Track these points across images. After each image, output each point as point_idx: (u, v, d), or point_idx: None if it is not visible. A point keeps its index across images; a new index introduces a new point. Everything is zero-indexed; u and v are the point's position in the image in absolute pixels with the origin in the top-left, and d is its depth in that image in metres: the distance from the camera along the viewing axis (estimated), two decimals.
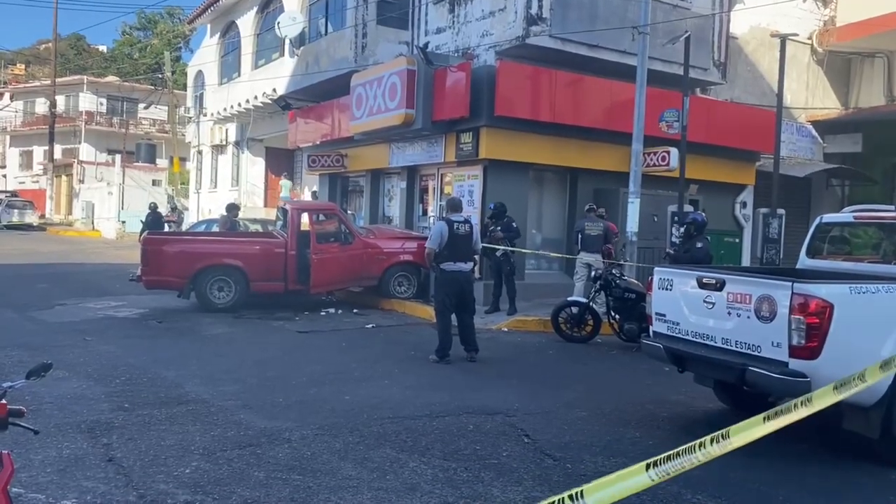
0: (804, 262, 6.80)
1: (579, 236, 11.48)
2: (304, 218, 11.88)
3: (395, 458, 4.79)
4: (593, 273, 10.68)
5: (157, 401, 6.05)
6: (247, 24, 22.47)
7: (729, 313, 5.22)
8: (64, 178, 38.97)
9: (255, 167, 24.30)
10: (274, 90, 19.37)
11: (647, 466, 2.48)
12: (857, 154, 17.42)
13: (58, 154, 40.69)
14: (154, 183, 33.19)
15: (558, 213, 13.82)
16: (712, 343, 5.39)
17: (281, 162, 23.41)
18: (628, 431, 5.68)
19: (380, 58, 15.65)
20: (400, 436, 5.28)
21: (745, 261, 14.76)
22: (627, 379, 7.78)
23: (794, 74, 16.89)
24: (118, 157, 36.89)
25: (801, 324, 4.69)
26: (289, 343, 9.24)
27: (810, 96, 17.82)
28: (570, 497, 2.23)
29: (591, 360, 8.82)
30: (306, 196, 20.68)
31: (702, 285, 5.50)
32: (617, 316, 9.60)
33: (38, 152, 43.98)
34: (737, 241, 14.71)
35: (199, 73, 26.99)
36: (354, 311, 11.93)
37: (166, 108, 34.46)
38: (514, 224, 11.30)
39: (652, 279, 6.08)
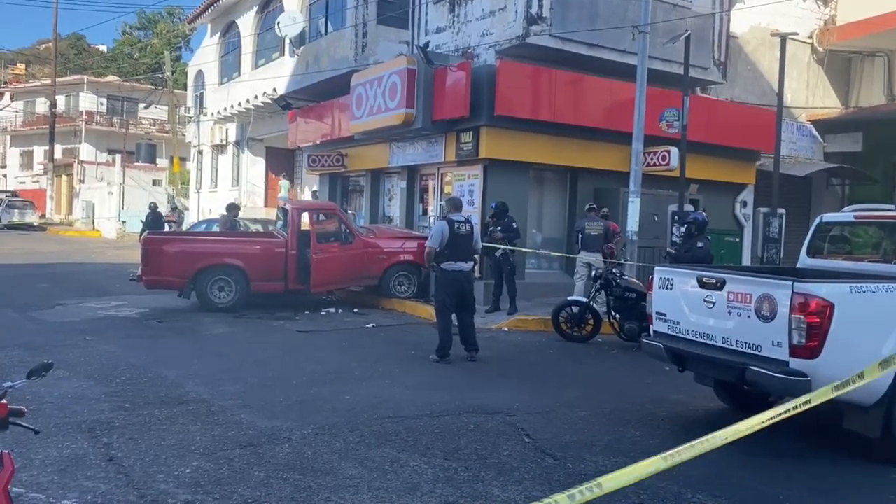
0: (804, 261, 6.80)
1: (579, 236, 11.49)
2: (305, 217, 11.88)
3: (395, 458, 4.80)
4: (594, 272, 10.68)
5: (158, 400, 6.05)
6: (247, 23, 22.48)
7: (729, 313, 5.22)
8: (64, 177, 38.95)
9: (255, 167, 24.30)
10: (274, 90, 19.36)
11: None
12: (857, 153, 17.41)
13: (58, 154, 40.70)
14: (154, 183, 33.21)
15: (558, 213, 13.82)
16: (713, 342, 5.39)
17: (281, 162, 23.38)
18: (629, 431, 5.68)
19: (380, 57, 15.66)
20: (400, 435, 5.28)
21: (746, 260, 14.76)
22: (628, 378, 7.78)
23: (795, 74, 16.88)
24: (118, 157, 36.90)
25: (801, 323, 4.69)
26: (289, 343, 9.24)
27: (810, 95, 17.80)
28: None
29: (591, 359, 8.82)
30: (306, 196, 20.68)
31: (702, 285, 5.50)
32: (617, 315, 9.60)
33: (39, 152, 43.98)
34: (737, 240, 14.71)
35: (200, 73, 27.00)
36: (355, 310, 11.93)
37: (166, 107, 34.45)
38: (514, 224, 11.30)
39: (652, 278, 6.08)
